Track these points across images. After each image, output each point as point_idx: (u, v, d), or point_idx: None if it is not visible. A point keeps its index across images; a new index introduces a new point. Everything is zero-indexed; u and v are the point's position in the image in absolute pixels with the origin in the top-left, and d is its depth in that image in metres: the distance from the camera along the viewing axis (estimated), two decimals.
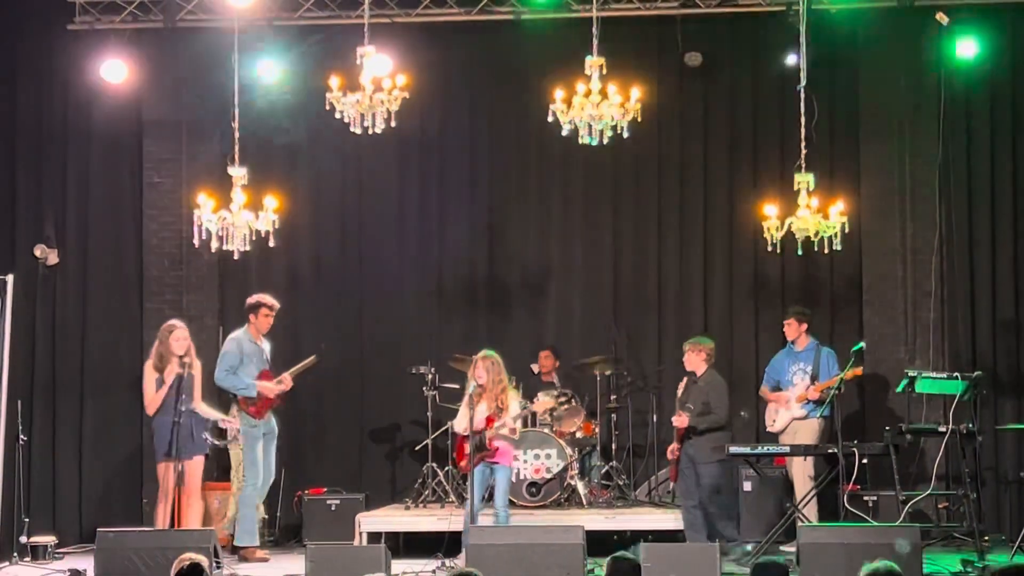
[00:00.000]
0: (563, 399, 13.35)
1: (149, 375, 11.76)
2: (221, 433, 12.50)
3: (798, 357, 12.71)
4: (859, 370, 12.46)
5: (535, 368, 13.96)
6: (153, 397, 11.69)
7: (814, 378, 12.47)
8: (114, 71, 13.69)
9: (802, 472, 12.42)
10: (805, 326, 12.77)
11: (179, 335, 11.73)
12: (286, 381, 12.48)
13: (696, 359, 12.05)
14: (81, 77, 13.92)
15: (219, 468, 13.60)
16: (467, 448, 11.47)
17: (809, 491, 12.02)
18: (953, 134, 13.49)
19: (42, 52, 14.12)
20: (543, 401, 13.07)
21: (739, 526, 12.34)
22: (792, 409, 12.54)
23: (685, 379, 12.24)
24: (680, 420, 11.96)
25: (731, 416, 12.31)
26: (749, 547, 11.68)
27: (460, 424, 11.63)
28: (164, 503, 11.55)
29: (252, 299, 12.55)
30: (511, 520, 11.61)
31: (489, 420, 11.41)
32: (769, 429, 12.83)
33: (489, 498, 11.72)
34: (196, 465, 11.80)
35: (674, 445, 12.11)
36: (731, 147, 14.22)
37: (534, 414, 12.93)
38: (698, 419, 11.84)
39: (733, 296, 14.18)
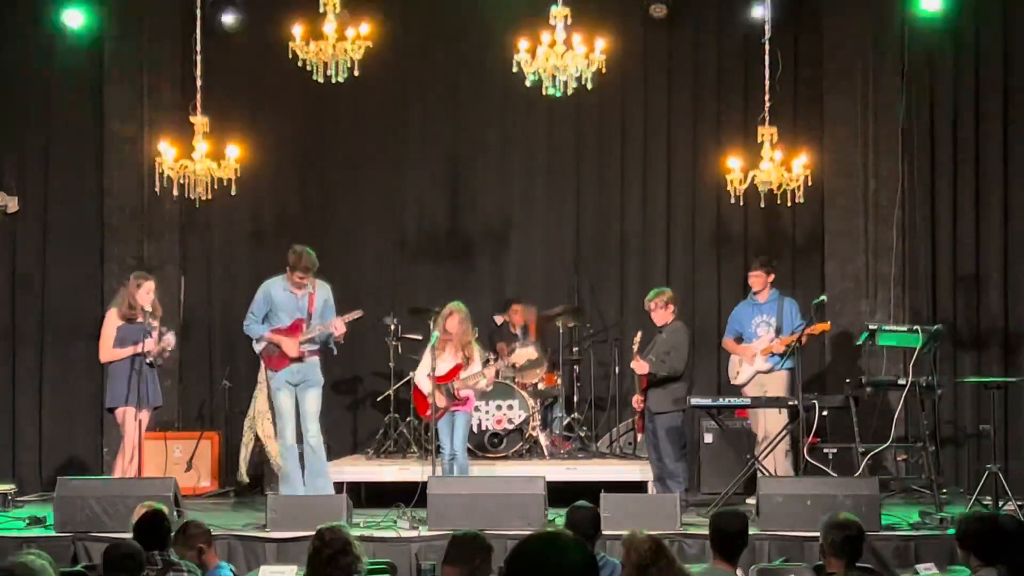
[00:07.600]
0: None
1: (111, 323, 11.55)
2: None
3: (761, 309, 12.47)
4: (827, 325, 12.23)
5: (499, 320, 13.93)
6: (110, 347, 11.52)
7: (779, 330, 12.26)
8: (75, 17, 13.59)
9: (777, 425, 12.03)
10: (772, 277, 12.51)
11: (148, 287, 11.53)
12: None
13: (661, 313, 11.99)
14: (42, 23, 13.79)
15: (182, 417, 13.64)
16: (429, 398, 11.45)
17: (768, 443, 12.02)
18: (916, 88, 13.51)
19: None
20: (522, 352, 12.85)
21: (699, 480, 12.39)
22: (757, 362, 12.33)
23: (639, 332, 12.24)
24: (639, 366, 11.94)
25: (689, 367, 12.17)
26: None
27: (423, 375, 11.58)
28: (123, 452, 11.46)
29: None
30: (470, 468, 11.66)
31: (456, 369, 11.42)
32: (733, 382, 12.59)
33: None
34: (146, 416, 11.74)
35: (637, 396, 12.08)
36: (695, 99, 14.20)
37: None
38: (658, 366, 11.85)
39: (696, 248, 14.18)
